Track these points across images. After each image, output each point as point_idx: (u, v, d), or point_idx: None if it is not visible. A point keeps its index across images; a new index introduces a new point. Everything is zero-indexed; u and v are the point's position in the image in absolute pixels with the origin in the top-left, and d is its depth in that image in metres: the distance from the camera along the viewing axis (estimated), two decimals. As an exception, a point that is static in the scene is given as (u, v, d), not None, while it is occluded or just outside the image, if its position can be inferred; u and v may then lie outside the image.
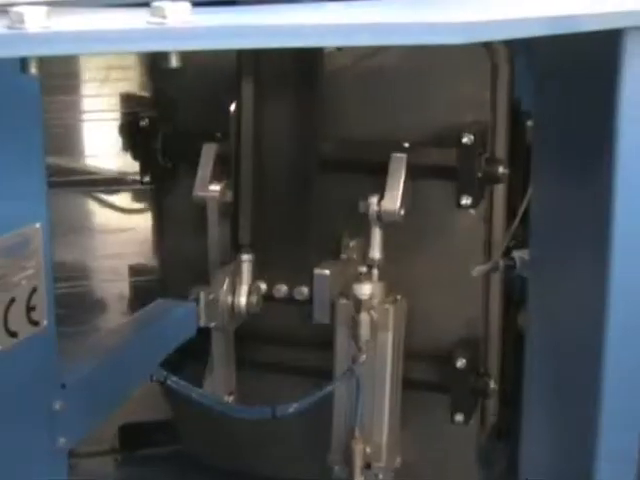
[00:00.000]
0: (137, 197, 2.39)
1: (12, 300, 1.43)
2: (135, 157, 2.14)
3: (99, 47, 0.98)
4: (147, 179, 2.13)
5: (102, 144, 2.35)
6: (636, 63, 1.31)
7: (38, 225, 1.47)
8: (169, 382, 1.77)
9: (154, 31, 0.99)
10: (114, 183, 2.34)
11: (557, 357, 1.66)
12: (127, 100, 2.21)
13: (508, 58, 1.91)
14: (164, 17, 1.00)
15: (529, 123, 1.94)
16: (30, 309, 1.47)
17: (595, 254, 1.42)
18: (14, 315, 1.43)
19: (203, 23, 1.01)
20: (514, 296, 2.09)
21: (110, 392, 1.66)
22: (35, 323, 1.48)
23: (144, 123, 2.09)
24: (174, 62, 1.02)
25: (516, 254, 1.91)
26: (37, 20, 0.96)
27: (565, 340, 1.63)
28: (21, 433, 1.49)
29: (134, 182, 2.25)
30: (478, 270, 1.92)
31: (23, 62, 0.98)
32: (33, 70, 0.98)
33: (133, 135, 2.12)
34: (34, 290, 1.47)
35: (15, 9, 0.96)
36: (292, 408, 1.83)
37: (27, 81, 1.38)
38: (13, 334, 1.44)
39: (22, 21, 0.95)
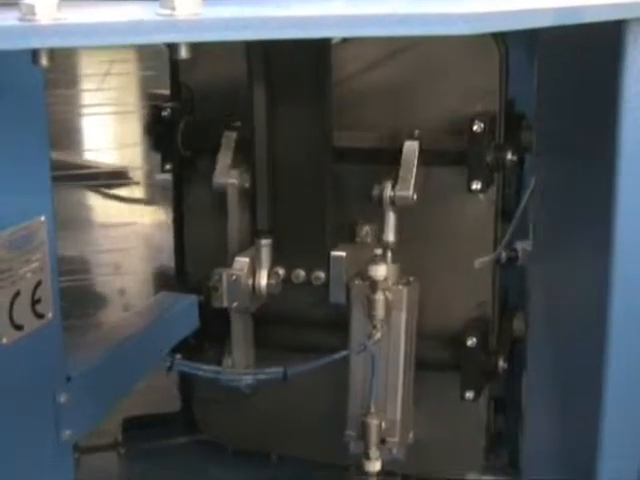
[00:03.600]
0: (138, 191, 2.38)
1: (17, 293, 1.44)
2: (156, 147, 2.17)
3: (109, 39, 0.98)
4: (168, 167, 2.16)
5: (102, 138, 2.34)
6: (638, 54, 1.31)
7: (43, 218, 1.48)
8: (176, 367, 1.78)
9: (164, 23, 1.00)
10: (115, 177, 2.34)
11: (559, 350, 1.67)
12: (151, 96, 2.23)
13: (503, 53, 1.94)
14: (174, 9, 1.00)
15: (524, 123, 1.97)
16: (35, 302, 1.47)
17: (598, 245, 1.43)
18: (19, 308, 1.44)
19: (212, 15, 1.02)
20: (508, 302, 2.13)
21: (114, 385, 1.67)
22: (40, 316, 1.48)
23: (165, 113, 2.12)
24: (184, 53, 1.02)
25: (519, 245, 1.93)
26: (48, 12, 0.96)
27: (567, 333, 1.64)
28: (27, 426, 1.50)
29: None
30: (480, 262, 1.94)
31: (34, 54, 0.98)
32: (44, 62, 0.98)
33: (154, 126, 2.15)
34: (39, 283, 1.48)
35: (26, 1, 0.96)
36: (303, 368, 1.85)
37: (31, 75, 1.40)
38: (19, 327, 1.44)
39: (33, 13, 0.96)
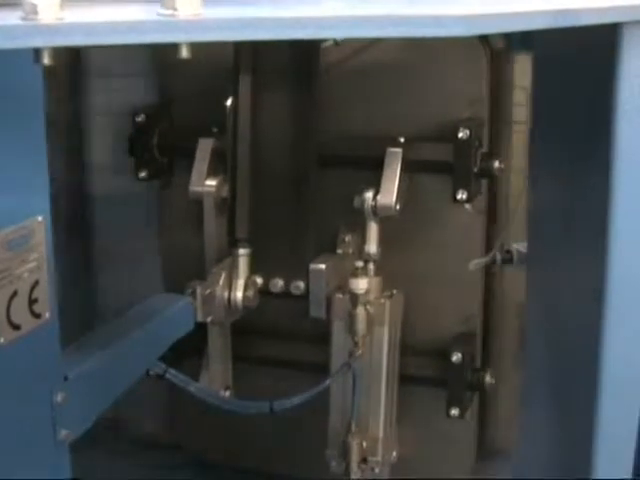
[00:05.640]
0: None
1: (15, 293, 1.44)
2: (131, 153, 2.14)
3: (111, 38, 0.99)
4: (143, 174, 2.13)
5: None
6: (634, 57, 1.33)
7: (40, 218, 1.48)
8: (168, 375, 1.78)
9: (165, 23, 1.01)
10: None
11: (556, 352, 1.68)
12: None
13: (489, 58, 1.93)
14: (175, 9, 1.02)
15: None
16: (32, 302, 1.48)
17: (593, 247, 1.43)
18: (17, 308, 1.44)
19: (213, 15, 1.03)
20: None
21: (111, 385, 1.67)
22: (37, 316, 1.49)
23: (140, 119, 2.09)
24: (185, 53, 1.03)
25: (514, 247, 1.93)
26: (51, 11, 0.97)
27: (564, 334, 1.64)
28: (23, 425, 1.49)
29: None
30: (475, 263, 1.93)
31: (36, 53, 0.99)
32: (46, 61, 0.99)
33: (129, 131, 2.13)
34: (36, 283, 1.48)
35: (29, 0, 0.97)
36: (289, 403, 1.84)
37: (30, 74, 1.41)
38: (16, 327, 1.44)
39: (36, 12, 0.97)
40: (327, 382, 1.90)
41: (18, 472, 1.50)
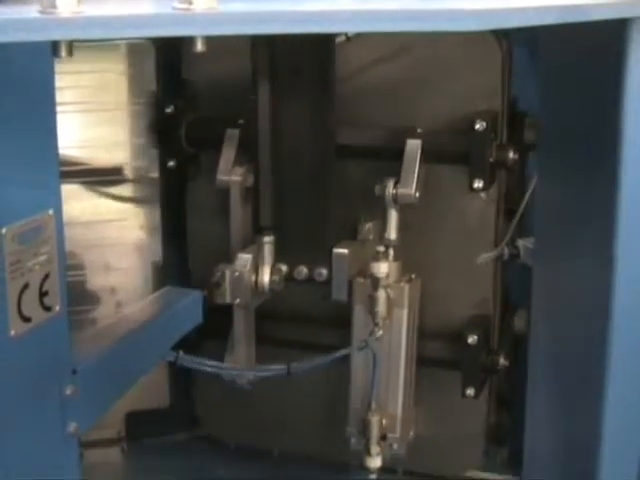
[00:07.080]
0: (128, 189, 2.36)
1: (26, 285, 1.45)
2: (160, 143, 2.19)
3: (128, 32, 1.00)
4: (171, 164, 2.18)
5: (90, 136, 2.32)
6: (642, 53, 1.33)
7: (51, 212, 1.49)
8: (180, 361, 1.80)
9: (181, 17, 1.02)
10: (106, 174, 2.32)
11: (561, 349, 1.69)
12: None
13: (507, 51, 1.95)
14: (190, 3, 1.03)
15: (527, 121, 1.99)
16: (43, 294, 1.48)
17: (600, 244, 1.44)
18: (28, 300, 1.45)
19: (228, 9, 1.04)
20: (510, 299, 2.15)
21: (120, 378, 1.68)
22: (48, 308, 1.50)
23: (169, 110, 2.14)
24: (200, 47, 1.04)
25: (520, 242, 1.95)
26: (69, 5, 0.98)
27: (569, 331, 1.65)
28: (33, 418, 1.50)
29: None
30: (483, 258, 1.96)
31: (54, 46, 1.00)
32: (63, 54, 1.00)
33: (158, 122, 2.18)
34: (47, 276, 1.49)
35: (47, -6, 0.98)
36: (307, 365, 1.89)
37: (42, 69, 1.42)
38: (27, 319, 1.45)
39: (54, 6, 0.98)
40: (344, 351, 1.94)
41: (27, 465, 1.51)
